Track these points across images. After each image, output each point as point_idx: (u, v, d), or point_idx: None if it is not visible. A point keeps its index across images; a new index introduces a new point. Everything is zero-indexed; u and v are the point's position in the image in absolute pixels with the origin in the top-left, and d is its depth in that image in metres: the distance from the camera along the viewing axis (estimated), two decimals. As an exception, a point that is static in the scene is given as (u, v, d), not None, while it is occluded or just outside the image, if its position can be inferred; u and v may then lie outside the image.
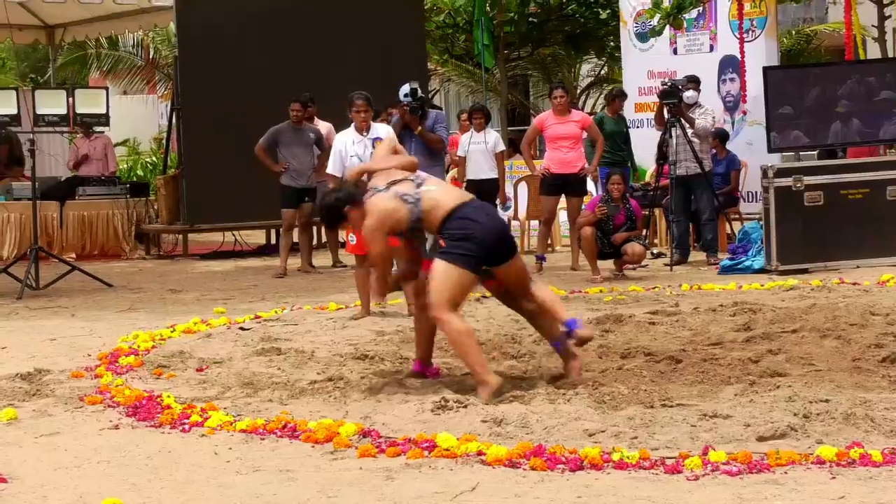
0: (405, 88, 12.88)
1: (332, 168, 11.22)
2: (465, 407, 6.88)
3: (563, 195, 14.38)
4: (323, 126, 15.33)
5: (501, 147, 14.85)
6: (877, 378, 7.46)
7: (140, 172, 25.54)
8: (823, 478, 5.41)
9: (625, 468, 5.63)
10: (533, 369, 8.03)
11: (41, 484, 5.65)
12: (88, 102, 14.26)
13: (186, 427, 6.65)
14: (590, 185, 16.27)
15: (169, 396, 7.29)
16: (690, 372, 7.78)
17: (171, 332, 10.10)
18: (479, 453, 5.88)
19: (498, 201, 15.01)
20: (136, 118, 29.73)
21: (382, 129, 11.55)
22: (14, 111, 13.63)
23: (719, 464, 5.58)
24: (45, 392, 7.74)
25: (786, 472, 5.48)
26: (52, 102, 14.11)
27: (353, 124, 11.32)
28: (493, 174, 14.81)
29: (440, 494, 5.35)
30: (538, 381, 7.61)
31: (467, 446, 5.96)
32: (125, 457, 6.11)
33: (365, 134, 11.25)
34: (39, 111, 13.93)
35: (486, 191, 14.70)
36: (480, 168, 14.64)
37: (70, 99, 14.07)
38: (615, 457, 5.73)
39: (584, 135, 14.53)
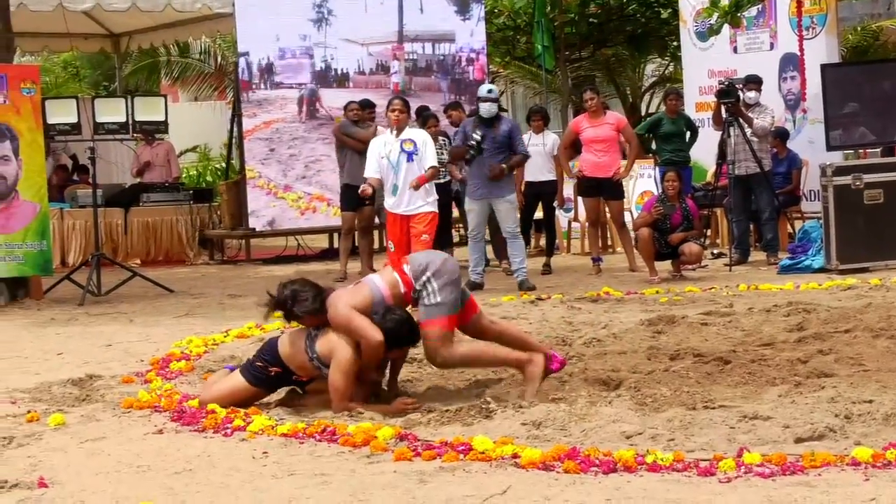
0: (483, 89, 13.49)
1: (368, 171, 11.67)
2: (506, 409, 6.92)
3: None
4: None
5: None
6: (925, 379, 7.38)
7: (209, 178, 25.73)
8: (857, 479, 5.37)
9: (658, 470, 5.62)
10: (579, 371, 8.02)
11: (81, 489, 5.73)
12: (147, 110, 14.42)
13: (229, 431, 6.72)
14: (650, 185, 16.25)
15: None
16: (737, 373, 7.75)
17: (225, 336, 10.20)
18: (514, 456, 5.89)
19: (556, 203, 15.03)
20: (206, 124, 29.89)
21: (418, 135, 11.81)
22: (74, 120, 13.83)
23: (753, 466, 5.55)
24: (94, 397, 7.85)
25: (819, 474, 5.45)
26: (111, 110, 14.28)
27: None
28: (552, 176, 14.84)
29: (470, 498, 5.36)
30: (582, 384, 7.60)
31: (502, 449, 5.96)
32: (165, 461, 6.18)
33: (396, 135, 11.60)
34: (99, 119, 14.11)
35: (544, 193, 14.73)
36: (539, 170, 14.66)
37: (129, 107, 14.22)
38: (649, 459, 5.71)
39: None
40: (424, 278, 7.38)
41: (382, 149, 11.62)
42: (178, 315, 11.97)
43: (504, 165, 12.98)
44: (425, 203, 11.77)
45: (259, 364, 7.38)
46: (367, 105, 15.31)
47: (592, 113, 14.21)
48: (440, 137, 14.34)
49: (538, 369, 7.45)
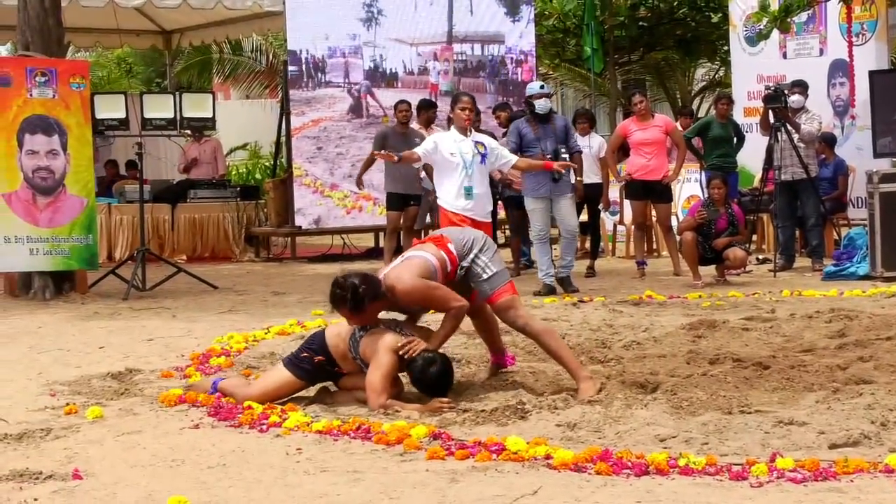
0: (535, 86, 13.42)
1: (420, 149, 11.09)
2: (541, 410, 6.93)
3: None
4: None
5: (604, 152, 14.83)
6: (964, 387, 7.34)
7: (258, 176, 25.88)
8: (889, 486, 5.33)
9: (690, 474, 5.61)
10: (617, 374, 8.01)
11: (114, 481, 5.77)
12: (195, 106, 14.48)
13: (265, 427, 6.75)
14: (696, 190, 16.19)
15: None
16: (775, 378, 7.70)
17: (266, 333, 10.25)
18: (547, 457, 5.89)
19: (601, 206, 15.00)
20: (257, 122, 30.05)
21: (484, 138, 11.51)
22: (122, 115, 13.93)
23: (785, 471, 5.53)
24: (133, 391, 7.91)
25: (851, 481, 5.42)
26: (159, 106, 14.35)
27: (453, 126, 11.27)
28: (598, 179, 14.82)
29: (500, 497, 5.36)
30: (620, 386, 7.59)
31: (535, 450, 5.97)
32: (199, 456, 6.22)
33: (468, 135, 11.11)
34: (147, 115, 14.19)
35: (590, 196, 14.70)
36: (585, 173, 14.60)
37: (178, 103, 14.30)
38: (681, 462, 5.70)
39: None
40: (472, 255, 7.58)
41: (452, 146, 10.95)
42: (220, 311, 12.04)
43: (571, 163, 12.75)
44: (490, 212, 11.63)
45: (305, 354, 7.44)
46: (431, 105, 15.45)
47: (641, 116, 14.17)
48: None
49: (591, 391, 7.40)
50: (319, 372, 7.48)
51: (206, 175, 18.37)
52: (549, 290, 12.88)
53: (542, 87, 13.39)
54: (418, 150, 11.04)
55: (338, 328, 7.54)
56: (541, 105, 13.02)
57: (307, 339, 7.78)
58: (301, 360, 7.45)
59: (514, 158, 11.43)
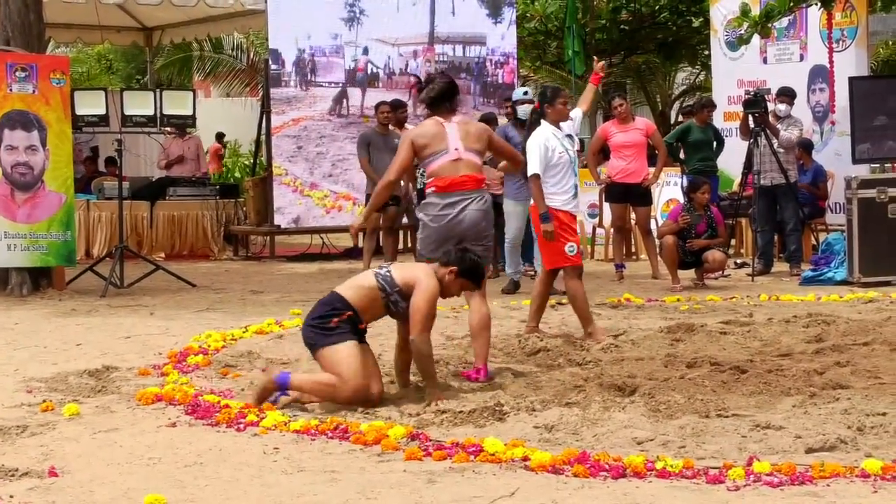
0: (519, 92, 13.63)
1: (535, 168, 9.66)
2: (519, 412, 6.95)
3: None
4: None
5: None
6: (940, 393, 7.38)
7: (237, 174, 25.86)
8: (865, 491, 5.37)
9: (667, 477, 5.63)
10: (595, 377, 8.02)
11: (90, 479, 5.76)
12: (175, 104, 14.46)
13: (242, 426, 6.74)
14: (677, 193, 16.22)
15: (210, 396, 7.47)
16: (753, 382, 7.74)
17: (244, 332, 10.24)
18: (524, 459, 5.91)
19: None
20: (237, 120, 30.02)
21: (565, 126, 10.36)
22: (102, 111, 13.89)
23: (762, 475, 5.55)
24: (110, 389, 7.91)
25: (828, 485, 5.45)
26: (139, 103, 14.34)
27: (544, 121, 9.90)
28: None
29: (477, 499, 5.38)
30: (598, 389, 7.60)
31: (513, 451, 5.98)
32: (177, 454, 6.21)
33: (561, 127, 10.09)
34: (127, 112, 14.17)
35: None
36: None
37: (158, 100, 14.26)
38: (658, 465, 5.72)
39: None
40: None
41: (557, 143, 9.77)
42: (198, 309, 12.01)
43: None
44: None
45: (334, 321, 7.31)
46: (399, 106, 15.41)
47: (622, 119, 14.20)
48: None
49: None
50: (354, 328, 7.41)
51: (188, 172, 18.33)
52: (515, 286, 13.09)
53: (525, 93, 13.52)
54: (537, 169, 9.66)
55: (349, 283, 7.56)
56: (522, 111, 13.15)
57: (317, 309, 7.48)
58: (335, 328, 7.29)
59: (578, 111, 10.89)
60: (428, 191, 8.55)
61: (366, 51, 17.77)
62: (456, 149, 8.44)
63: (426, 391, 7.43)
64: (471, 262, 7.71)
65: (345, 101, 17.69)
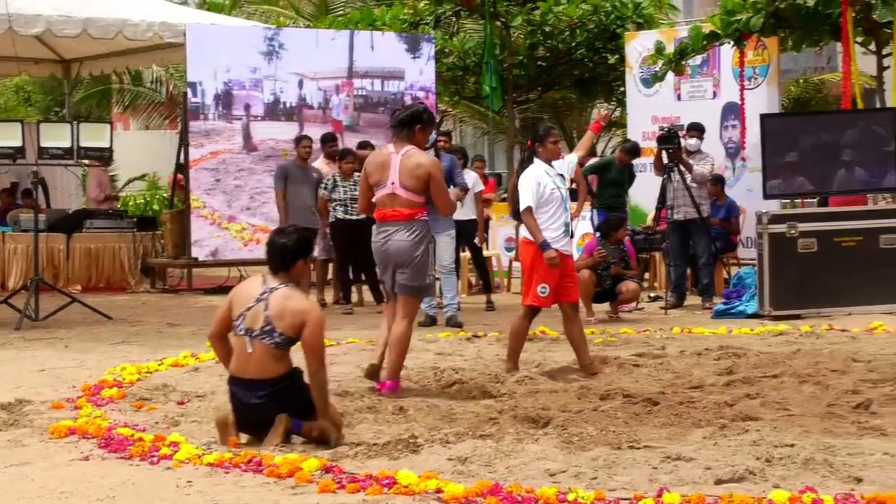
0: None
1: (529, 200, 9.70)
2: (433, 444, 7.00)
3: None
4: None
5: (480, 187, 14.98)
6: (846, 424, 7.55)
7: (156, 207, 25.75)
8: (772, 522, 5.48)
9: (578, 508, 5.71)
10: (509, 409, 8.10)
11: (2, 512, 5.75)
12: (92, 136, 14.37)
13: (155, 459, 6.73)
14: (589, 228, 16.37)
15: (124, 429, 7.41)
16: (664, 414, 7.86)
17: (159, 365, 10.22)
18: (438, 491, 5.96)
19: (477, 241, 15.11)
20: (156, 153, 29.95)
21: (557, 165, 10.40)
22: (19, 143, 13.79)
23: (671, 505, 5.66)
24: (23, 422, 7.85)
25: (736, 515, 5.55)
26: (56, 135, 14.21)
27: (537, 159, 10.00)
28: (473, 215, 14.92)
29: (390, 530, 5.43)
30: (512, 421, 7.68)
31: (426, 484, 6.03)
32: (89, 488, 6.20)
33: (553, 165, 10.13)
34: (44, 144, 14.08)
35: (467, 231, 14.81)
36: (461, 209, 14.65)
37: (75, 132, 14.20)
38: (570, 497, 5.80)
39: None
40: None
41: (547, 179, 9.84)
42: (114, 342, 11.97)
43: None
44: None
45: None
46: (332, 139, 15.70)
47: (554, 154, 14.23)
48: (356, 174, 14.57)
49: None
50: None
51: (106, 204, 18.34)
52: (431, 321, 13.23)
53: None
54: (530, 202, 9.75)
55: (260, 362, 7.16)
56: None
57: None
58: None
59: (573, 157, 10.65)
60: None
61: (301, 83, 17.83)
62: (392, 183, 8.93)
63: (324, 428, 7.17)
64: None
65: (256, 134, 17.65)
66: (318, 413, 7.16)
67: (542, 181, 9.78)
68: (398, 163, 8.94)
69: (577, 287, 10.27)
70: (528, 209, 9.70)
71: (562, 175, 10.04)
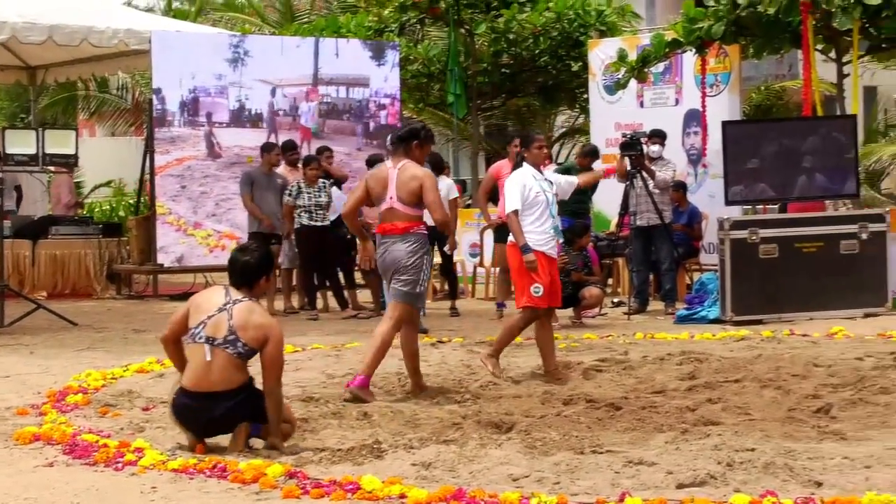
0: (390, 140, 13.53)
1: (515, 204, 9.89)
2: (397, 450, 7.05)
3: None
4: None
5: (454, 194, 15.03)
6: (807, 428, 7.63)
7: (122, 213, 25.72)
8: (736, 524, 5.55)
9: (542, 512, 5.77)
10: (473, 414, 8.16)
11: (-36, 519, 5.77)
12: (58, 143, 14.37)
13: (120, 465, 6.75)
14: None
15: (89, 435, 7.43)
16: (627, 419, 7.93)
17: (124, 371, 10.24)
18: (401, 496, 6.01)
19: (447, 248, 15.14)
20: (122, 159, 29.95)
21: (548, 174, 10.74)
22: (-17, 150, 13.80)
23: (633, 509, 5.72)
24: (-13, 428, 7.86)
25: (697, 519, 5.62)
26: (21, 142, 14.21)
27: (525, 164, 10.19)
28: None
29: (354, 535, 5.48)
30: (476, 426, 7.74)
31: (390, 489, 6.08)
32: (53, 494, 6.21)
33: (542, 171, 10.36)
34: (9, 150, 14.08)
35: (437, 238, 14.84)
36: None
37: (40, 139, 14.19)
38: (533, 501, 5.85)
39: None
40: None
41: (533, 182, 9.99)
42: (79, 348, 11.98)
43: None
44: None
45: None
46: (293, 147, 15.76)
47: (514, 159, 14.34)
48: (320, 180, 14.96)
49: None
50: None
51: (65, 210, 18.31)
52: None
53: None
54: (516, 205, 9.90)
55: (221, 371, 7.17)
56: None
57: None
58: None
59: (575, 182, 10.77)
60: None
61: (273, 91, 17.86)
62: (391, 197, 9.19)
63: (271, 441, 7.22)
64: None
65: (220, 141, 17.66)
66: (271, 429, 7.21)
67: (528, 184, 9.94)
68: (395, 176, 9.18)
69: (560, 293, 10.33)
70: (514, 212, 9.86)
71: (550, 182, 10.20)
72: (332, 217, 14.98)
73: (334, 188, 15.43)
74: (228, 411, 7.08)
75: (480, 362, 10.17)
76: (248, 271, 7.34)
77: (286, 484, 6.26)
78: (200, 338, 7.13)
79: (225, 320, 7.13)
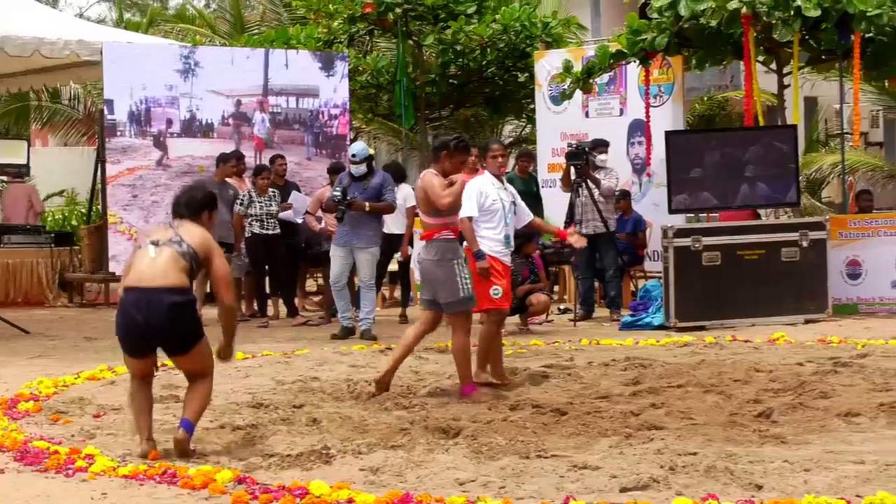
0: (350, 152, 13.99)
1: (470, 210, 9.93)
2: (346, 455, 7.17)
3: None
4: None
5: (412, 202, 15.12)
6: (748, 433, 7.77)
7: (74, 222, 25.64)
8: (672, 526, 5.69)
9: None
10: (421, 420, 8.29)
11: (-86, 528, 5.82)
12: (9, 152, 14.43)
13: (71, 472, 6.82)
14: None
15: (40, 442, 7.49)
16: (572, 424, 8.06)
17: (76, 378, 10.30)
18: (349, 501, 6.11)
19: (400, 255, 15.28)
20: (75, 169, 29.80)
21: (513, 189, 10.72)
22: (-65, 160, 13.82)
23: (577, 514, 5.85)
24: (-63, 437, 7.89)
25: (639, 522, 5.75)
26: (-27, 152, 14.32)
27: (486, 171, 10.36)
28: (401, 230, 15.10)
29: (303, 538, 5.58)
30: (423, 432, 7.87)
31: (338, 494, 6.18)
32: (4, 500, 6.27)
33: (502, 181, 10.38)
34: (-39, 161, 14.16)
35: (395, 246, 14.99)
36: (393, 222, 14.86)
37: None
38: (479, 506, 5.98)
39: None
40: None
41: (490, 189, 10.10)
42: (31, 356, 12.02)
43: (366, 203, 13.37)
44: None
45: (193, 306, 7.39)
46: (241, 157, 15.99)
47: (471, 171, 14.44)
48: (270, 190, 15.32)
49: None
50: None
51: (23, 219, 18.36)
52: (348, 332, 13.52)
53: (353, 155, 13.77)
54: (472, 212, 9.99)
55: (162, 270, 7.22)
56: (354, 169, 13.67)
57: (179, 309, 7.27)
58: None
59: (531, 217, 10.80)
60: None
61: (239, 103, 17.96)
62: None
63: (224, 346, 7.56)
64: None
65: (173, 151, 17.71)
66: (226, 336, 7.52)
67: (484, 191, 10.07)
68: (418, 187, 9.72)
69: (510, 299, 10.46)
70: (468, 218, 9.94)
71: (508, 190, 10.31)
72: (298, 220, 15.22)
73: (294, 191, 15.67)
74: (174, 308, 7.14)
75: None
76: (192, 203, 7.53)
77: (235, 489, 6.34)
78: (145, 244, 7.35)
79: (171, 230, 7.39)
